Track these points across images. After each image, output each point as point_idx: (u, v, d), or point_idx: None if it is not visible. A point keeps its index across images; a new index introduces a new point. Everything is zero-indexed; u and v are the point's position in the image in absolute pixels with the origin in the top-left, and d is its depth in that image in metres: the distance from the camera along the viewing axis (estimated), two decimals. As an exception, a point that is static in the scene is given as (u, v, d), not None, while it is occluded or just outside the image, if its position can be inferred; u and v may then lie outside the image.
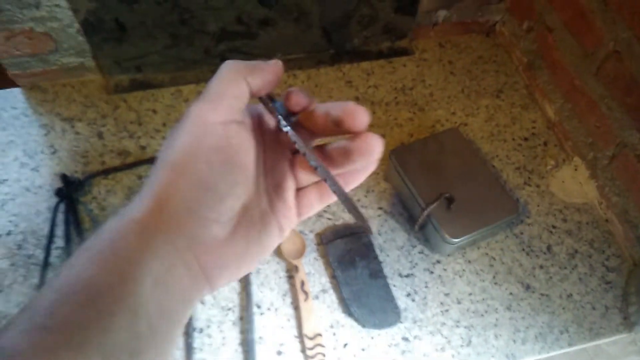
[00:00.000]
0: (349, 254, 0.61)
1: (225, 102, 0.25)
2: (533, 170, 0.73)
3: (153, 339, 0.22)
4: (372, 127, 0.73)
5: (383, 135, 0.73)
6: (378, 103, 0.77)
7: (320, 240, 0.63)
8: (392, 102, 0.77)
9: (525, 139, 0.76)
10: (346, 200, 0.26)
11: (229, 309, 0.57)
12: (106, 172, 0.65)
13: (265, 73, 0.26)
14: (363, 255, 0.62)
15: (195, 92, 0.74)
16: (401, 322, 0.59)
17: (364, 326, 0.58)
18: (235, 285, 0.59)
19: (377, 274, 0.61)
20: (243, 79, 0.25)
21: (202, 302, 0.57)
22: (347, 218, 0.65)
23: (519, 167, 0.73)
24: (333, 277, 0.61)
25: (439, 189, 0.63)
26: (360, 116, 0.25)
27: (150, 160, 0.66)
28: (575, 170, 0.74)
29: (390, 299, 0.59)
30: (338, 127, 0.26)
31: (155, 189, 0.23)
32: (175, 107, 0.72)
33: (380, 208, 0.67)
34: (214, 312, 0.57)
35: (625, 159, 0.65)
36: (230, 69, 0.25)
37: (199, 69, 0.75)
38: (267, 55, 0.75)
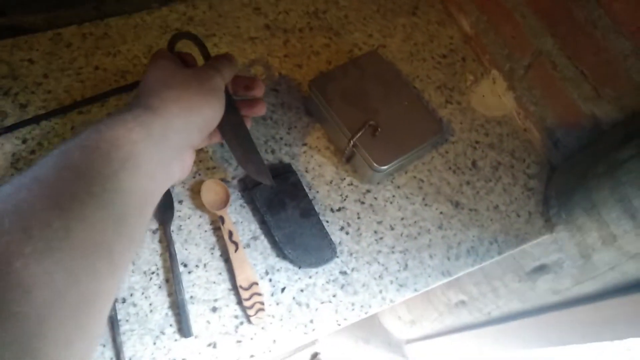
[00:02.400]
0: (277, 196, 0.58)
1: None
2: (454, 87, 0.72)
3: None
4: (287, 58, 0.66)
5: (300, 66, 0.69)
6: (291, 30, 0.71)
7: (245, 185, 0.59)
8: (306, 28, 0.72)
9: (444, 56, 0.74)
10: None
11: (152, 273, 0.53)
12: (-18, 139, 0.55)
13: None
14: (292, 195, 0.58)
15: (79, 34, 0.63)
16: (337, 257, 0.57)
17: (300, 267, 0.56)
18: (156, 247, 0.54)
19: (308, 212, 0.58)
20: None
21: (122, 269, 0.52)
22: (271, 159, 0.61)
23: (439, 86, 0.71)
24: (263, 223, 0.57)
25: (363, 117, 0.60)
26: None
27: (35, 120, 0.57)
28: (494, 83, 0.73)
29: (324, 235, 0.57)
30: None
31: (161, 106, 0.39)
32: (56, 54, 0.62)
33: (305, 144, 0.63)
34: (135, 278, 0.52)
35: (540, 67, 0.65)
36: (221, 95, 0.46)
37: (79, 5, 0.64)
38: (157, -15, 0.66)
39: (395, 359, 1.45)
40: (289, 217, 0.57)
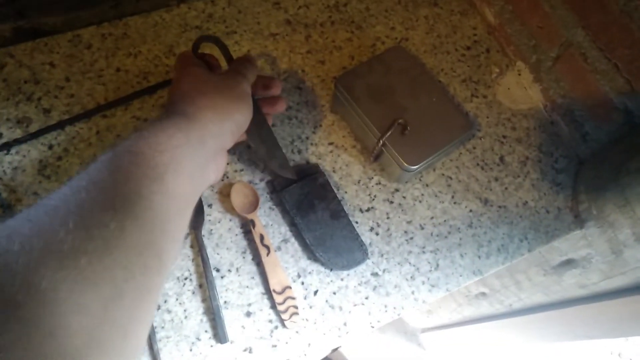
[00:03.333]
0: (306, 198, 0.57)
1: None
2: (479, 80, 0.70)
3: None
4: (309, 54, 0.65)
5: (322, 62, 0.67)
6: (312, 25, 0.69)
7: (273, 187, 0.58)
8: (327, 22, 0.70)
9: (468, 48, 0.73)
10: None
11: (186, 279, 0.53)
12: (7, 146, 0.54)
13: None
14: (321, 197, 0.58)
15: (98, 35, 0.62)
16: (369, 258, 0.57)
17: (332, 269, 0.55)
18: (188, 252, 0.54)
19: (338, 213, 0.57)
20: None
21: (155, 276, 0.52)
22: (298, 159, 0.60)
23: (464, 79, 0.70)
24: (293, 225, 0.57)
25: (391, 115, 0.59)
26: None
27: (60, 125, 0.56)
28: (519, 75, 0.72)
29: (354, 237, 0.57)
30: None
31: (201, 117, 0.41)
32: (76, 56, 0.61)
33: (331, 143, 0.62)
34: (169, 285, 0.52)
35: (569, 59, 0.64)
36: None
37: (97, 5, 0.63)
38: (176, -19, 0.64)
39: (411, 347, 1.46)
40: (318, 218, 0.57)
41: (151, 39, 0.64)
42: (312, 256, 0.55)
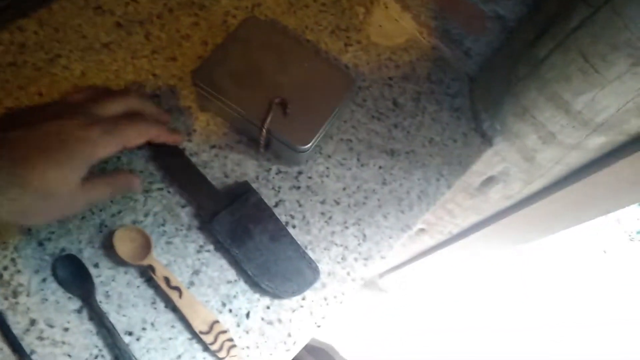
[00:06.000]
0: (239, 224, 0.50)
1: None
2: (347, 27, 0.65)
3: None
4: (155, 54, 0.56)
5: (174, 59, 0.59)
6: (148, 20, 0.60)
7: (201, 219, 0.51)
8: (164, 11, 0.61)
9: (327, -5, 0.67)
10: None
11: (96, 357, 0.45)
12: None
13: None
14: (256, 219, 0.51)
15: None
16: (320, 277, 0.52)
17: (282, 298, 0.50)
18: (88, 327, 0.46)
19: (278, 233, 0.51)
20: None
21: (59, 368, 0.44)
22: (235, 177, 0.53)
23: (333, 30, 0.64)
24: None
25: (265, 96, 0.52)
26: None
27: None
28: (387, 8, 0.67)
29: (300, 255, 0.51)
30: None
31: None
32: None
33: (213, 147, 0.55)
34: (79, 371, 0.44)
35: (428, -22, 0.60)
36: None
37: None
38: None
39: (374, 295, 1.47)
40: (257, 244, 0.50)
41: (-44, 95, 0.52)
42: (257, 288, 0.50)
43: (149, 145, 0.49)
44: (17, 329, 0.44)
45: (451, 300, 1.59)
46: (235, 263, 0.50)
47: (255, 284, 0.50)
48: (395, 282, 1.37)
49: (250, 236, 0.51)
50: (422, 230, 0.94)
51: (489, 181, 0.69)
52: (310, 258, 0.51)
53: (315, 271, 0.51)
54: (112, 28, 0.58)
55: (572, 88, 0.48)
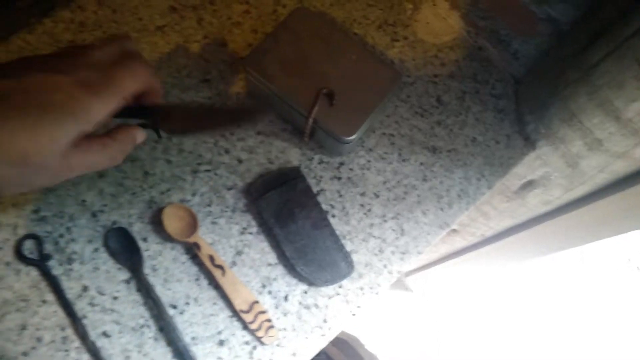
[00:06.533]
0: (285, 206, 0.52)
1: None
2: (395, 22, 0.65)
3: None
4: (206, 39, 0.58)
5: (224, 45, 0.60)
6: (201, 6, 0.61)
7: (250, 194, 0.52)
8: (218, -2, 0.62)
9: (376, -11, 0.67)
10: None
11: (142, 327, 0.47)
12: None
13: None
14: (302, 204, 0.53)
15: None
16: (354, 270, 0.53)
17: (315, 285, 0.51)
18: (136, 297, 0.48)
19: (320, 222, 0.53)
20: None
21: (108, 335, 0.46)
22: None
23: (380, 25, 0.65)
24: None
25: (313, 86, 0.53)
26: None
27: None
28: (435, 5, 0.67)
29: (338, 248, 0.52)
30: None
31: None
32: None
33: (259, 133, 0.56)
34: (126, 338, 0.46)
35: (482, -22, 0.60)
36: None
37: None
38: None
39: (400, 293, 1.48)
40: (299, 229, 0.52)
41: (21, 69, 0.54)
42: (292, 271, 0.51)
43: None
44: (70, 294, 0.46)
45: (476, 304, 1.58)
46: (277, 246, 0.51)
47: (292, 268, 0.51)
48: (421, 282, 1.37)
49: (294, 220, 0.52)
50: (454, 230, 0.94)
51: (528, 185, 0.69)
52: (347, 252, 0.52)
53: (350, 265, 0.52)
54: (167, 12, 0.60)
55: (625, 95, 0.48)
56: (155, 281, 0.49)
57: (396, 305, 1.49)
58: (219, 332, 0.48)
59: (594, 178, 0.59)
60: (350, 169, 0.57)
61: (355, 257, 0.53)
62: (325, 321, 0.50)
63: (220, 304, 0.49)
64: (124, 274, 0.48)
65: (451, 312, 1.54)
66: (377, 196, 0.56)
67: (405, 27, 0.65)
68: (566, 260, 1.78)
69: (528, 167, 0.65)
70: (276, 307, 0.50)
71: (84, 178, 0.51)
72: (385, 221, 0.55)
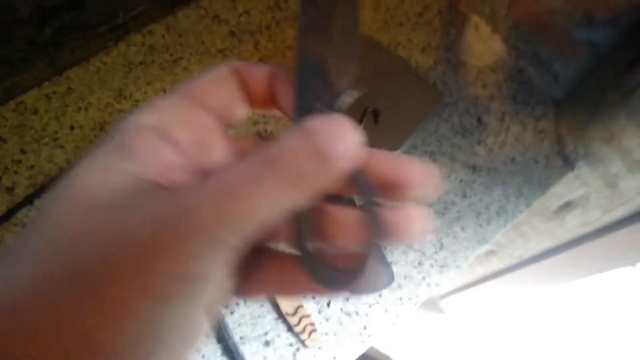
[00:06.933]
0: None
1: None
2: (438, 45, 0.69)
3: None
4: (262, 62, 0.63)
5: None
6: (257, 31, 0.67)
7: None
8: (272, 23, 0.67)
9: (420, 15, 0.71)
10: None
11: (196, 323, 0.51)
12: (-22, 236, 0.52)
13: None
14: None
15: (42, 97, 0.59)
16: (394, 281, 0.55)
17: (352, 292, 0.54)
18: (191, 296, 0.52)
19: None
20: None
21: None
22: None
23: (424, 48, 0.68)
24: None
25: (359, 105, 0.57)
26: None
27: (28, 200, 0.54)
28: (477, 29, 0.70)
29: (380, 258, 0.55)
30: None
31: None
32: (25, 124, 0.58)
33: (306, 148, 0.60)
34: (180, 334, 0.50)
35: (522, 2, 0.62)
36: None
37: (31, 66, 0.60)
38: (108, 21, 0.61)
39: (433, 316, 1.47)
40: None
41: (97, 87, 0.61)
42: None
43: None
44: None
45: (510, 328, 1.55)
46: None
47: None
48: (455, 305, 1.37)
49: None
50: (491, 252, 0.94)
51: (567, 205, 0.70)
52: (388, 263, 0.55)
53: (390, 277, 0.55)
54: (227, 36, 0.66)
55: (666, 118, 0.49)
56: (209, 282, 0.53)
57: (429, 327, 1.48)
58: (266, 333, 0.51)
59: (634, 199, 0.60)
60: (392, 184, 0.60)
61: (394, 269, 0.56)
62: (365, 328, 0.53)
63: (267, 306, 0.53)
64: (182, 274, 0.53)
65: (485, 335, 1.52)
66: (417, 211, 0.59)
67: (448, 51, 0.69)
68: (604, 283, 1.72)
69: (567, 187, 0.66)
70: (319, 312, 0.53)
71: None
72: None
